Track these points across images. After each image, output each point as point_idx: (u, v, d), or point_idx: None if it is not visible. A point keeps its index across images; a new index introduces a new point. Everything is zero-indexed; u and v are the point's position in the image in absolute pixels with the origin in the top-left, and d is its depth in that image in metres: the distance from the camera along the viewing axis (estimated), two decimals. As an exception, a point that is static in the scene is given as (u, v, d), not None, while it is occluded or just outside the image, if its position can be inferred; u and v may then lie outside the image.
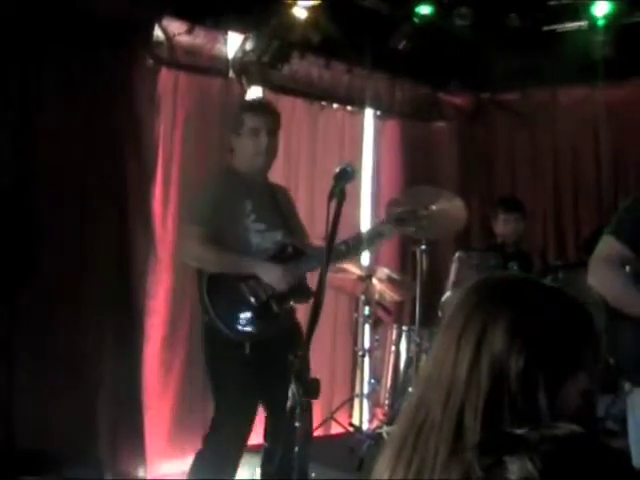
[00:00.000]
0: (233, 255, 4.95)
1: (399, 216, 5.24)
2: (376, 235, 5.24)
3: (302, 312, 4.97)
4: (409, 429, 1.72)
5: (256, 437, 5.21)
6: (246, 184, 5.10)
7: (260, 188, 5.18)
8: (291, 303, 5.08)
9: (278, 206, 5.24)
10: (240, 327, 4.90)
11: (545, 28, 7.80)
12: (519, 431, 1.47)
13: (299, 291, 5.03)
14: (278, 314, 4.99)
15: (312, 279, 5.01)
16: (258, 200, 5.09)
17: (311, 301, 3.79)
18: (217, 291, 4.91)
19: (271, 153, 5.18)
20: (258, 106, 5.25)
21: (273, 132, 5.13)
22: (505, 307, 1.71)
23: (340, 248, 4.98)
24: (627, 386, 4.44)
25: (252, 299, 4.92)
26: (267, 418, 5.11)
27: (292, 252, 5.08)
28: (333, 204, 3.77)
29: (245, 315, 4.92)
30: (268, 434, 5.10)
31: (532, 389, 1.65)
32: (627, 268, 4.44)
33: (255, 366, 4.85)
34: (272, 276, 4.93)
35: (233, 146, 5.18)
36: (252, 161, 5.10)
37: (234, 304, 4.92)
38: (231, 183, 5.10)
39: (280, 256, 5.06)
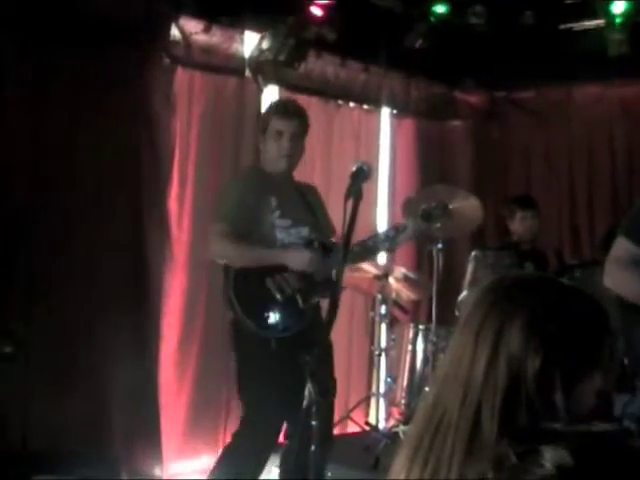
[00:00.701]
0: (259, 248, 4.98)
1: (427, 212, 5.25)
2: (402, 230, 5.22)
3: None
4: (425, 428, 1.72)
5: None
6: (270, 181, 5.14)
7: (286, 186, 5.21)
8: (317, 299, 5.08)
9: (305, 203, 5.27)
10: (266, 323, 4.90)
11: (561, 26, 7.79)
12: (555, 425, 1.47)
13: (325, 286, 5.00)
14: (304, 310, 4.98)
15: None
16: (284, 196, 5.12)
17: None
18: (243, 288, 4.92)
19: (295, 156, 5.23)
20: (284, 109, 5.23)
21: (298, 135, 5.17)
22: (522, 306, 1.71)
23: (368, 244, 5.07)
24: (640, 386, 4.44)
25: (278, 294, 4.92)
26: (287, 419, 5.04)
27: (319, 247, 5.09)
28: (350, 203, 3.78)
29: (271, 311, 4.92)
30: (289, 433, 5.11)
31: (549, 388, 1.65)
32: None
33: (281, 362, 4.83)
34: (299, 260, 4.95)
35: (260, 146, 5.26)
36: (276, 162, 5.15)
37: (260, 300, 4.92)
38: (257, 181, 5.16)
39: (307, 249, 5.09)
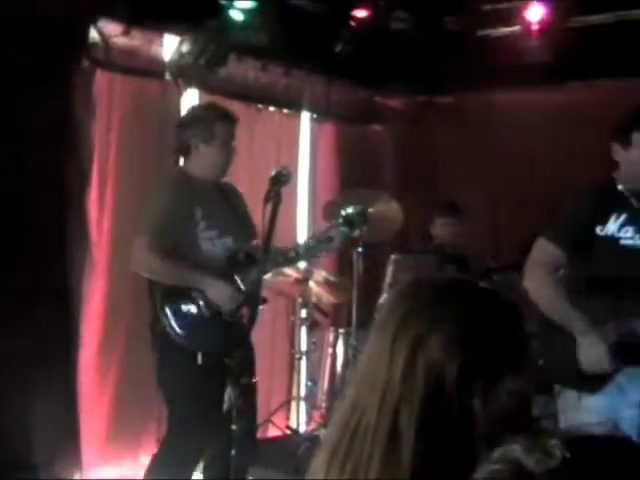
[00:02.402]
0: (183, 269, 4.94)
1: (349, 218, 5.24)
2: (325, 240, 5.20)
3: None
4: (343, 432, 1.72)
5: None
6: (198, 190, 5.09)
7: (212, 192, 5.17)
8: (243, 311, 5.01)
9: (230, 208, 5.23)
10: (193, 336, 4.87)
11: (480, 32, 7.87)
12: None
13: (251, 298, 4.88)
14: (231, 323, 4.96)
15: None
16: (209, 205, 5.09)
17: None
18: (171, 300, 4.90)
19: (232, 161, 5.25)
20: (228, 115, 5.21)
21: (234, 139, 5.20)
22: (441, 311, 1.71)
23: (289, 254, 5.06)
24: (557, 388, 4.51)
25: (205, 308, 4.92)
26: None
27: (243, 259, 5.08)
28: (269, 207, 3.78)
29: (199, 325, 4.91)
30: (212, 439, 5.06)
31: (468, 392, 1.65)
32: (561, 271, 4.51)
33: (208, 376, 4.78)
34: (220, 296, 4.93)
35: (194, 152, 5.12)
36: (218, 170, 5.15)
37: (187, 313, 4.90)
38: (182, 190, 5.08)
39: (231, 264, 5.07)
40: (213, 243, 5.05)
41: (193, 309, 4.93)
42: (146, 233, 4.94)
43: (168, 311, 4.87)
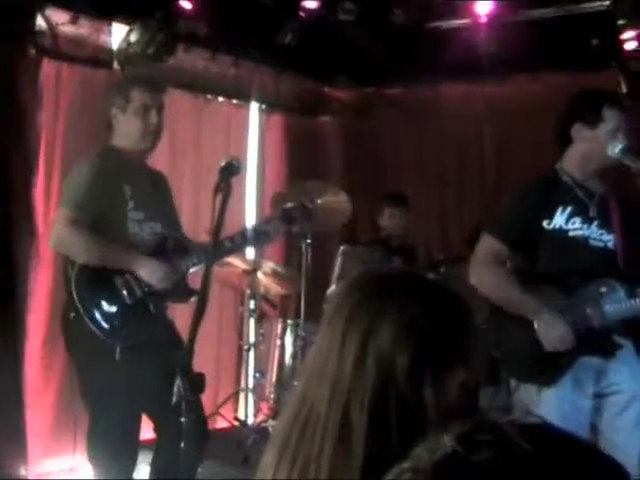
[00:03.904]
0: (110, 246, 4.57)
1: (287, 213, 5.09)
2: (262, 234, 5.00)
3: (185, 307, 4.90)
4: (293, 424, 1.72)
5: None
6: (126, 166, 4.76)
7: (140, 172, 4.86)
8: (169, 302, 4.79)
9: (158, 193, 4.95)
10: (111, 327, 4.49)
11: (429, 25, 7.90)
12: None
13: (179, 290, 4.75)
14: (155, 314, 4.68)
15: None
16: (138, 185, 4.76)
17: (194, 297, 3.76)
18: (87, 285, 4.50)
19: (159, 133, 4.87)
20: (148, 81, 4.91)
21: (162, 110, 4.85)
22: (389, 303, 1.72)
23: (225, 245, 4.72)
24: (513, 382, 4.53)
25: (126, 296, 4.56)
26: (153, 420, 4.79)
27: (173, 246, 4.79)
28: (219, 198, 3.75)
29: (119, 314, 4.53)
30: (157, 431, 4.82)
31: (418, 384, 1.65)
32: (508, 264, 4.55)
33: (128, 370, 4.47)
34: (154, 275, 4.58)
35: (115, 123, 4.82)
36: (139, 141, 4.78)
37: (106, 301, 4.52)
38: (110, 164, 4.72)
39: (160, 250, 4.74)
40: (141, 226, 4.71)
41: (114, 296, 4.54)
42: (68, 206, 4.56)
43: (83, 296, 4.49)
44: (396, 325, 1.68)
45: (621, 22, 6.99)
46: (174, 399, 3.27)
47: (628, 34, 7.00)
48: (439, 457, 0.92)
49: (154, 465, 4.87)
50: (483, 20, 7.44)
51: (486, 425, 0.95)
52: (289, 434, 1.72)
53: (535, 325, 4.29)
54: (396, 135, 9.02)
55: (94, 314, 4.49)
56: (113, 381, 4.47)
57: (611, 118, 4.40)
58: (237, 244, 4.88)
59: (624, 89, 7.21)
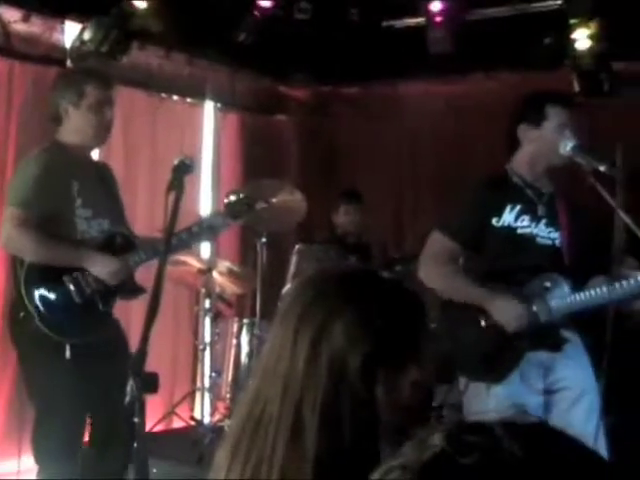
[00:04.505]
0: (60, 244, 4.52)
1: (232, 208, 5.08)
2: (208, 229, 4.97)
3: (139, 306, 4.85)
4: (246, 423, 1.72)
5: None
6: (73, 162, 4.69)
7: (87, 167, 4.81)
8: (118, 300, 4.74)
9: (105, 189, 4.88)
10: (61, 326, 4.45)
11: (384, 23, 7.92)
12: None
13: (127, 287, 4.72)
14: (104, 313, 4.65)
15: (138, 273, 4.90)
16: (85, 182, 4.68)
17: (147, 295, 3.72)
18: (36, 283, 4.46)
19: (111, 129, 4.83)
20: (102, 77, 4.84)
21: (113, 105, 4.80)
22: (343, 301, 1.72)
23: (172, 241, 4.69)
24: (463, 380, 4.56)
25: (75, 295, 4.52)
26: (94, 421, 4.68)
27: (121, 243, 4.75)
28: (171, 197, 3.73)
29: (68, 313, 4.49)
30: (95, 438, 4.71)
31: (371, 382, 1.66)
32: (460, 260, 4.58)
33: (78, 370, 4.42)
34: (106, 270, 4.54)
35: (65, 118, 4.72)
36: (93, 137, 4.74)
37: (55, 300, 4.48)
38: (58, 160, 4.63)
39: (109, 247, 4.69)
40: (89, 224, 4.65)
41: (63, 294, 4.49)
42: (15, 204, 4.49)
43: (35, 295, 4.43)
44: (349, 324, 1.68)
45: (573, 21, 7.05)
46: (127, 399, 3.23)
47: (580, 33, 7.06)
48: (428, 457, 0.91)
49: (100, 468, 4.68)
50: (438, 19, 7.45)
51: (477, 425, 0.94)
52: (242, 433, 1.72)
53: (489, 310, 4.32)
54: (353, 134, 9.03)
55: (43, 313, 4.44)
56: (63, 380, 4.42)
57: (555, 115, 4.46)
58: (184, 240, 4.83)
59: (577, 87, 7.26)
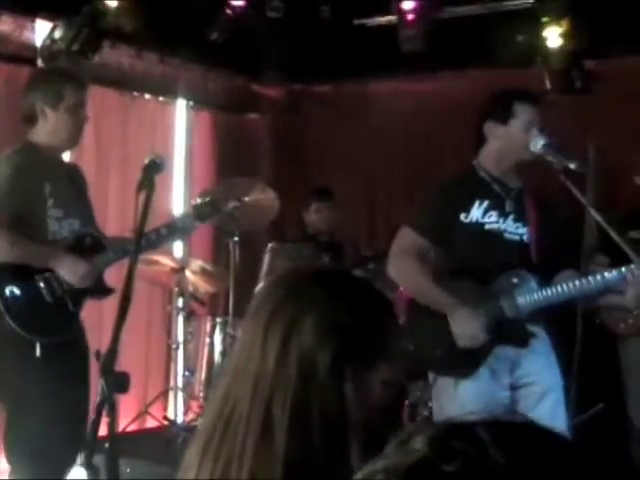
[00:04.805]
0: (31, 245, 4.50)
1: (198, 210, 5.07)
2: (176, 229, 4.96)
3: (111, 305, 4.82)
4: (216, 422, 1.72)
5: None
6: (45, 163, 4.67)
7: (59, 168, 4.81)
8: (87, 300, 4.72)
9: (76, 190, 4.86)
10: (32, 325, 4.44)
11: (356, 22, 7.93)
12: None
13: (97, 287, 4.70)
14: (73, 313, 4.63)
15: (110, 272, 4.88)
16: (57, 182, 4.67)
17: (117, 294, 3.71)
18: (7, 281, 4.45)
19: (83, 129, 4.86)
20: (79, 79, 4.81)
21: (86, 106, 4.80)
22: (313, 299, 1.72)
23: (140, 243, 4.69)
24: (431, 376, 4.58)
25: (46, 294, 4.51)
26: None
27: (91, 243, 4.73)
28: (142, 196, 3.71)
29: (39, 312, 4.48)
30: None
31: (340, 380, 1.66)
32: (431, 254, 4.60)
33: (47, 367, 4.41)
34: (74, 273, 4.53)
35: (41, 119, 4.67)
36: (69, 139, 4.76)
37: (26, 298, 4.46)
38: (30, 161, 4.63)
39: (78, 248, 4.66)
40: (60, 224, 4.63)
41: (34, 293, 4.48)
42: None
43: (6, 293, 4.41)
44: (319, 322, 1.68)
45: (545, 19, 7.08)
46: (98, 399, 3.22)
47: (551, 31, 7.10)
48: (412, 461, 0.91)
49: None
50: (410, 17, 7.46)
51: (462, 428, 0.94)
52: (212, 432, 1.72)
53: (450, 319, 4.34)
54: (325, 132, 9.03)
55: (13, 311, 4.43)
56: (33, 379, 4.41)
57: (522, 113, 4.48)
58: (153, 241, 4.81)
59: (548, 85, 7.30)
